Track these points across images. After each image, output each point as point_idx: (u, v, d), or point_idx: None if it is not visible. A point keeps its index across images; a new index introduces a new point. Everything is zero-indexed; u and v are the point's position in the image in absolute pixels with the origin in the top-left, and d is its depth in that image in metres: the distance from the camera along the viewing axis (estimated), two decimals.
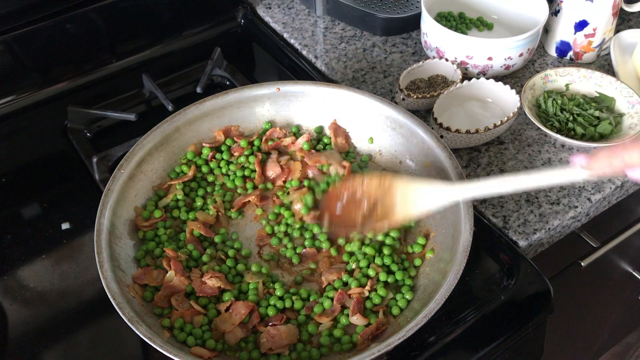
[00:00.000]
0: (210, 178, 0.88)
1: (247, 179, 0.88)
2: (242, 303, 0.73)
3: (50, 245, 0.84)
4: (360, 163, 0.89)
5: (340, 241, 0.81)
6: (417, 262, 0.78)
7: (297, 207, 0.83)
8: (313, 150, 0.89)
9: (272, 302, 0.74)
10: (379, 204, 0.73)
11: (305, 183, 0.85)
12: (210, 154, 0.89)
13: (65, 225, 0.86)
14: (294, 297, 0.75)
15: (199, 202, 0.84)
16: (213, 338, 0.71)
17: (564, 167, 0.61)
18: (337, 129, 0.91)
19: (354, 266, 0.78)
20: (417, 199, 0.71)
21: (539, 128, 0.95)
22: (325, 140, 0.91)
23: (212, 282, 0.74)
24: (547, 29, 1.10)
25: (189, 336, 0.70)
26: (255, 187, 0.87)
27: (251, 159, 0.89)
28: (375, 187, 0.73)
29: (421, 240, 0.80)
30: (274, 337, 0.70)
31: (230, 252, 0.80)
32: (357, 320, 0.72)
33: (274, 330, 0.71)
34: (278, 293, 0.75)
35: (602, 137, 0.94)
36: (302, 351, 0.70)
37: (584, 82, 1.00)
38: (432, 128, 0.89)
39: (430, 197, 0.71)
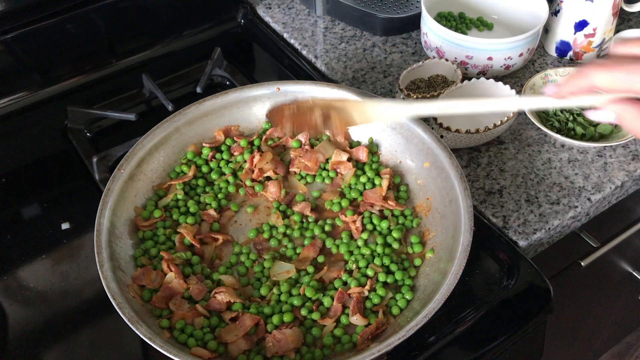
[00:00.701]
0: (210, 177, 0.88)
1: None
2: (249, 316, 0.71)
3: (50, 245, 0.84)
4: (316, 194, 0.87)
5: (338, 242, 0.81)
6: (417, 262, 0.78)
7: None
8: (307, 147, 0.89)
9: (282, 296, 0.74)
10: (333, 112, 0.74)
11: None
12: (210, 154, 0.89)
13: (65, 225, 0.86)
14: (294, 301, 0.74)
15: (192, 209, 0.83)
16: (215, 341, 0.70)
17: (538, 95, 0.61)
18: None
19: (353, 267, 0.78)
20: (369, 114, 0.74)
21: (539, 128, 0.95)
22: (324, 138, 0.91)
23: (221, 297, 0.73)
24: (547, 29, 1.10)
25: (190, 337, 0.70)
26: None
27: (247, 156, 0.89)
28: (324, 102, 0.75)
29: (421, 240, 0.80)
30: (280, 341, 0.69)
31: (233, 259, 0.80)
32: (356, 320, 0.72)
33: (279, 334, 0.70)
34: (283, 298, 0.75)
35: (602, 137, 0.94)
36: (306, 353, 0.70)
37: None
38: (432, 128, 0.89)
39: (381, 113, 0.73)
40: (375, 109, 0.72)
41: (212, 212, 0.83)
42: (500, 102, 0.67)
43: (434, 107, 0.72)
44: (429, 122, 0.93)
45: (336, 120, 0.74)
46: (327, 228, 0.83)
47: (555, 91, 0.57)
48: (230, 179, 0.88)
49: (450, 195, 0.79)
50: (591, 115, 0.57)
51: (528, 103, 0.67)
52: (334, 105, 0.74)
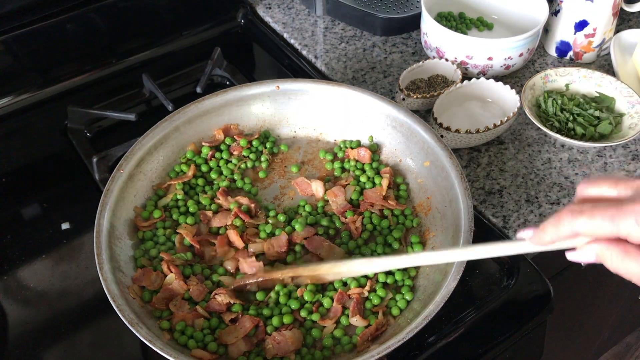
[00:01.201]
0: (210, 177, 0.88)
1: (243, 176, 0.89)
2: (249, 317, 0.71)
3: (50, 245, 0.84)
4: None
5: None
6: None
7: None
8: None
9: (281, 298, 0.74)
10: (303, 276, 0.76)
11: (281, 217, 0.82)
12: (210, 153, 0.89)
13: (65, 225, 0.86)
14: (293, 304, 0.74)
15: (192, 209, 0.83)
16: (215, 343, 0.70)
17: (514, 241, 0.57)
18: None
19: None
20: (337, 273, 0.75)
21: (539, 128, 0.95)
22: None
23: (221, 298, 0.73)
24: (547, 29, 1.10)
25: (190, 339, 0.70)
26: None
27: (252, 156, 0.89)
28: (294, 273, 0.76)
29: (421, 240, 0.80)
30: (280, 343, 0.69)
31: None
32: (356, 321, 0.72)
33: (279, 336, 0.70)
34: (282, 300, 0.75)
35: (602, 137, 0.94)
36: (306, 355, 0.70)
37: (584, 82, 1.00)
38: (432, 128, 0.89)
39: (348, 270, 0.74)
40: (341, 269, 0.74)
41: (209, 213, 0.83)
42: (462, 253, 0.67)
43: (400, 262, 0.72)
44: (429, 122, 0.93)
45: (306, 280, 0.75)
46: (331, 232, 0.82)
47: (536, 239, 0.54)
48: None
49: (451, 195, 0.79)
50: (569, 257, 0.54)
51: (486, 251, 0.62)
52: (303, 273, 0.75)
